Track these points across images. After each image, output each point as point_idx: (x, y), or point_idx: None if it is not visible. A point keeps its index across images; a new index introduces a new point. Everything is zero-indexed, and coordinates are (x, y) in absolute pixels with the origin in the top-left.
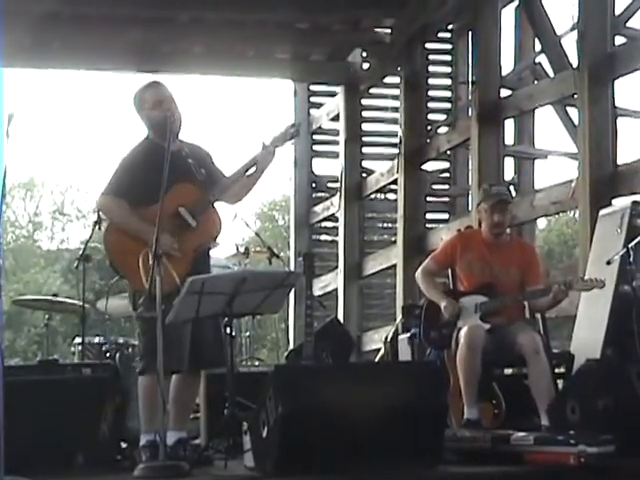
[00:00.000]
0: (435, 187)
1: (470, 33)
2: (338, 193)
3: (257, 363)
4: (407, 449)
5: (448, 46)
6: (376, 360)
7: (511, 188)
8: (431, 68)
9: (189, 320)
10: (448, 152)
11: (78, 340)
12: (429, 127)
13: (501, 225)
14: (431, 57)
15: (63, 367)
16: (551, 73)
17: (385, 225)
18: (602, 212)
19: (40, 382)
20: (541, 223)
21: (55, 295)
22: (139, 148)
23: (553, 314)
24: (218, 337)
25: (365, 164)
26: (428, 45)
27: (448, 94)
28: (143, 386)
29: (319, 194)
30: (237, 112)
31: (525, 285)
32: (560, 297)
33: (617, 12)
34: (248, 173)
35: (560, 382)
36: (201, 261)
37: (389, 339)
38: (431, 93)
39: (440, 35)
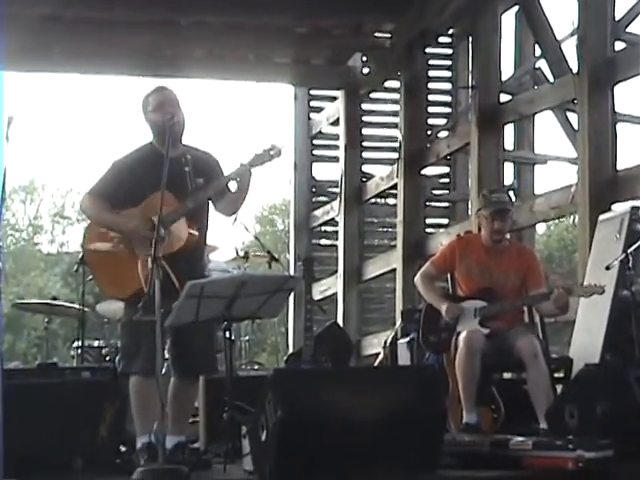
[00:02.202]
0: (435, 192)
1: (470, 38)
2: (338, 197)
3: (256, 367)
4: (406, 453)
5: (448, 51)
6: (375, 364)
7: (511, 194)
8: (431, 73)
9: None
10: (448, 157)
11: (77, 343)
12: (429, 132)
13: (501, 232)
14: (431, 62)
15: (62, 370)
16: (551, 78)
17: (385, 229)
18: (601, 217)
19: (39, 385)
20: (541, 228)
21: (55, 298)
22: (136, 152)
23: (552, 319)
24: (209, 344)
25: (365, 169)
26: (428, 50)
27: (448, 99)
28: (132, 387)
29: (319, 198)
30: (237, 116)
31: (527, 289)
32: (560, 303)
33: (617, 17)
34: (232, 189)
35: (559, 387)
36: (178, 270)
37: (388, 343)
38: (431, 98)
39: (440, 40)
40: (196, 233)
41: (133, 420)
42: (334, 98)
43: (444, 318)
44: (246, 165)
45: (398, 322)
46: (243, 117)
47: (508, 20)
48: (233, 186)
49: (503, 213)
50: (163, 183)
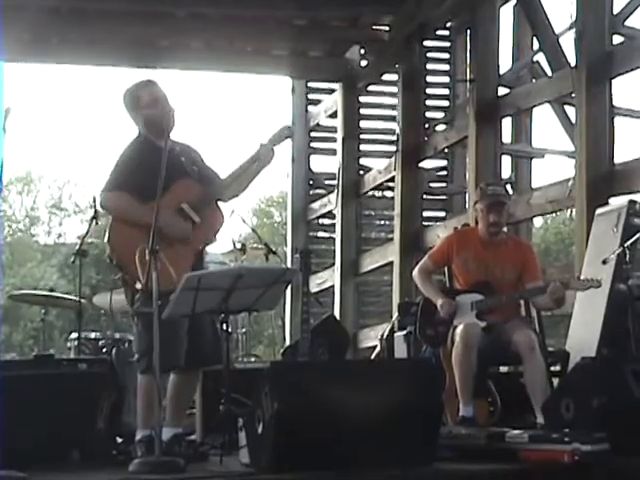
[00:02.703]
0: (432, 185)
1: (468, 31)
2: (335, 190)
3: (253, 359)
4: (402, 446)
5: (446, 44)
6: (372, 357)
7: (508, 187)
8: (429, 66)
9: (186, 316)
10: (445, 150)
11: (74, 335)
12: (427, 125)
13: (497, 225)
14: (429, 55)
15: (59, 362)
16: (549, 72)
17: (382, 222)
18: (599, 211)
19: (36, 377)
20: (538, 221)
21: (52, 290)
22: (135, 145)
23: (549, 312)
24: (215, 334)
25: (362, 161)
26: (426, 43)
27: (446, 92)
28: (143, 385)
29: (316, 191)
30: (235, 108)
31: (523, 283)
32: (557, 296)
33: (615, 11)
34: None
35: (555, 380)
36: (200, 257)
37: (385, 336)
38: (429, 91)
39: (438, 33)
40: (223, 214)
41: (130, 412)
42: (332, 90)
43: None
44: (268, 144)
45: (395, 315)
46: (241, 109)
47: (506, 13)
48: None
49: (499, 206)
50: (161, 176)
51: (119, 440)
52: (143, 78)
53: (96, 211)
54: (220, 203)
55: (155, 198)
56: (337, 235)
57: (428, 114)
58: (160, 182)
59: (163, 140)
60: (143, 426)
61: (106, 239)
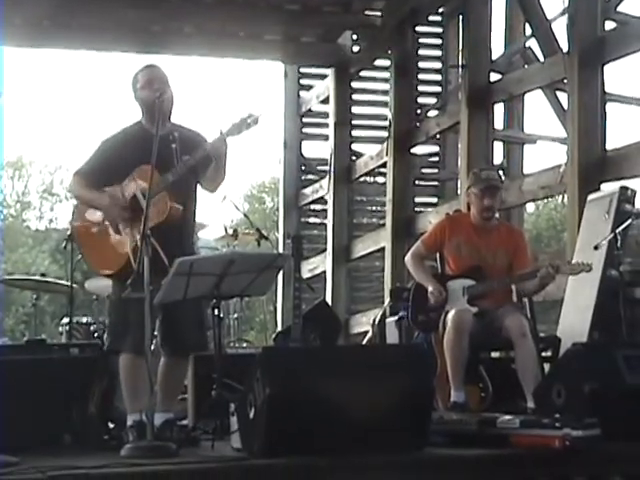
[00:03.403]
0: (424, 171)
1: (461, 17)
2: (327, 176)
3: (245, 345)
4: (394, 431)
5: (438, 29)
6: (364, 343)
7: (500, 172)
8: (421, 51)
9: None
10: (437, 136)
11: (66, 320)
12: (419, 111)
13: (491, 209)
14: (421, 40)
15: (51, 347)
16: (541, 57)
17: (374, 208)
18: (590, 197)
19: (27, 362)
20: (530, 207)
21: (43, 275)
22: (125, 130)
23: (540, 298)
24: (199, 321)
25: (354, 147)
26: (418, 28)
27: (438, 78)
28: (122, 366)
29: (308, 176)
30: (227, 94)
31: (513, 269)
32: (547, 280)
33: None
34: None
35: (547, 366)
36: (160, 242)
37: (377, 322)
38: (421, 76)
39: (430, 18)
40: (179, 207)
41: (122, 397)
42: (324, 76)
43: None
44: (222, 135)
45: (387, 300)
46: (233, 94)
47: None
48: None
49: (493, 190)
50: (153, 160)
51: (111, 425)
52: (146, 62)
53: None
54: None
55: (116, 181)
56: (329, 221)
57: (420, 100)
58: (152, 163)
59: (155, 123)
60: (131, 409)
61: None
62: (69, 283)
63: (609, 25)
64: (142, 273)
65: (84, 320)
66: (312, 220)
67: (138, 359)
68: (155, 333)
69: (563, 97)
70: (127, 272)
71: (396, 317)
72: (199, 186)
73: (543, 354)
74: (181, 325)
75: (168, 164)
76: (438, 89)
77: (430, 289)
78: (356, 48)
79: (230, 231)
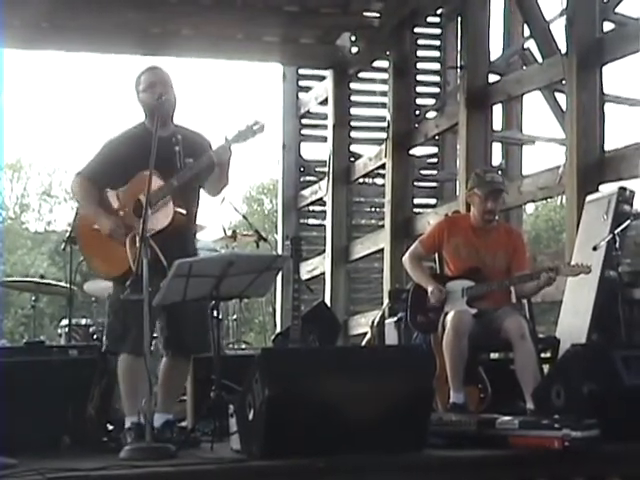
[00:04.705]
0: (423, 172)
1: (459, 18)
2: (326, 177)
3: (244, 346)
4: (393, 432)
5: (437, 31)
6: (363, 344)
7: (500, 173)
8: (420, 53)
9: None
10: (436, 137)
11: (65, 322)
12: (417, 112)
13: (493, 212)
14: (420, 42)
15: (50, 349)
16: (540, 59)
17: (373, 209)
18: (589, 198)
19: (26, 364)
20: (529, 208)
21: (42, 277)
22: (128, 131)
23: (539, 299)
24: (202, 323)
25: (353, 148)
26: (417, 29)
27: (437, 79)
28: (121, 367)
29: (307, 178)
30: (225, 96)
31: (511, 271)
32: (546, 283)
33: None
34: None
35: (546, 367)
36: (167, 249)
37: (376, 323)
38: (420, 78)
39: (429, 20)
40: (184, 212)
41: (120, 398)
42: (323, 77)
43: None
44: (227, 142)
45: (385, 302)
46: (231, 96)
47: (497, 0)
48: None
49: (497, 194)
50: (151, 162)
51: (110, 427)
52: (149, 64)
53: None
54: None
55: (119, 184)
56: (328, 222)
57: (418, 101)
58: (151, 166)
59: (154, 126)
60: (129, 411)
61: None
62: (68, 285)
63: (607, 26)
64: (141, 275)
65: (83, 322)
66: (311, 221)
67: (137, 360)
68: (155, 335)
69: (562, 98)
70: (129, 275)
71: (395, 318)
72: (202, 190)
73: (542, 355)
74: (186, 326)
75: (171, 166)
76: (437, 90)
77: (430, 289)
78: (355, 49)
79: (229, 232)
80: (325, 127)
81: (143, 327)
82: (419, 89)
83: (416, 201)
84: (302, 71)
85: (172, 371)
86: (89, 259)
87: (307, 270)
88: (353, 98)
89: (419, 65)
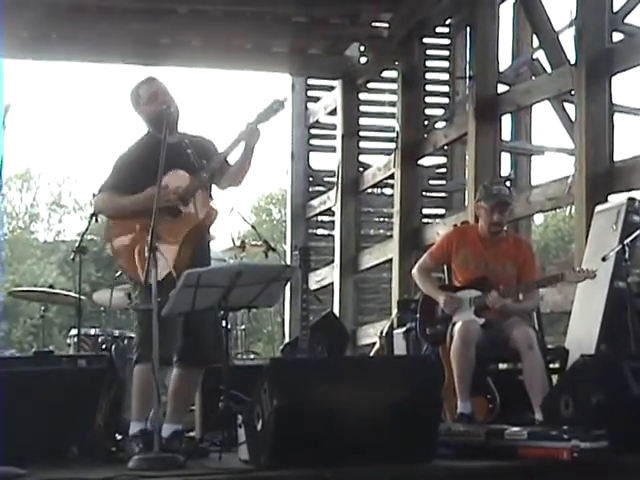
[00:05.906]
0: (432, 182)
1: (468, 28)
2: (335, 187)
3: (252, 356)
4: (401, 443)
5: (446, 41)
6: (371, 354)
7: (508, 184)
8: (429, 63)
9: (184, 313)
10: (445, 147)
11: (74, 332)
12: (426, 122)
13: (500, 224)
14: (429, 52)
15: (58, 358)
16: (549, 69)
17: (381, 219)
18: (598, 208)
19: (35, 373)
20: (538, 219)
21: (51, 287)
22: (138, 143)
23: (548, 309)
24: (218, 333)
25: (362, 158)
26: (426, 40)
27: (445, 89)
28: (138, 374)
29: (316, 188)
30: (234, 106)
31: (520, 281)
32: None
33: (615, 8)
34: (239, 155)
35: (554, 377)
36: (197, 249)
37: (384, 333)
38: (428, 88)
39: (438, 30)
40: (217, 208)
41: (129, 408)
42: (331, 88)
43: (441, 309)
44: (253, 122)
45: (394, 312)
46: (240, 107)
47: (506, 10)
48: (233, 158)
49: (503, 206)
50: (160, 171)
51: (118, 437)
52: (144, 76)
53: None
54: (219, 195)
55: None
56: (336, 232)
57: (427, 111)
58: (160, 174)
59: (163, 135)
60: (137, 417)
61: (104, 235)
62: (77, 295)
63: (617, 37)
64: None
65: (92, 332)
66: (320, 231)
67: (160, 369)
68: None
69: (571, 108)
70: (169, 282)
71: (404, 328)
72: (217, 188)
73: (551, 366)
74: (203, 338)
75: (189, 166)
76: (445, 100)
77: (442, 300)
78: (363, 60)
79: (238, 242)
80: (334, 137)
81: (170, 336)
82: (428, 99)
83: (425, 211)
84: (311, 81)
85: (185, 381)
86: (128, 271)
87: (316, 280)
88: (362, 108)
89: (428, 75)
